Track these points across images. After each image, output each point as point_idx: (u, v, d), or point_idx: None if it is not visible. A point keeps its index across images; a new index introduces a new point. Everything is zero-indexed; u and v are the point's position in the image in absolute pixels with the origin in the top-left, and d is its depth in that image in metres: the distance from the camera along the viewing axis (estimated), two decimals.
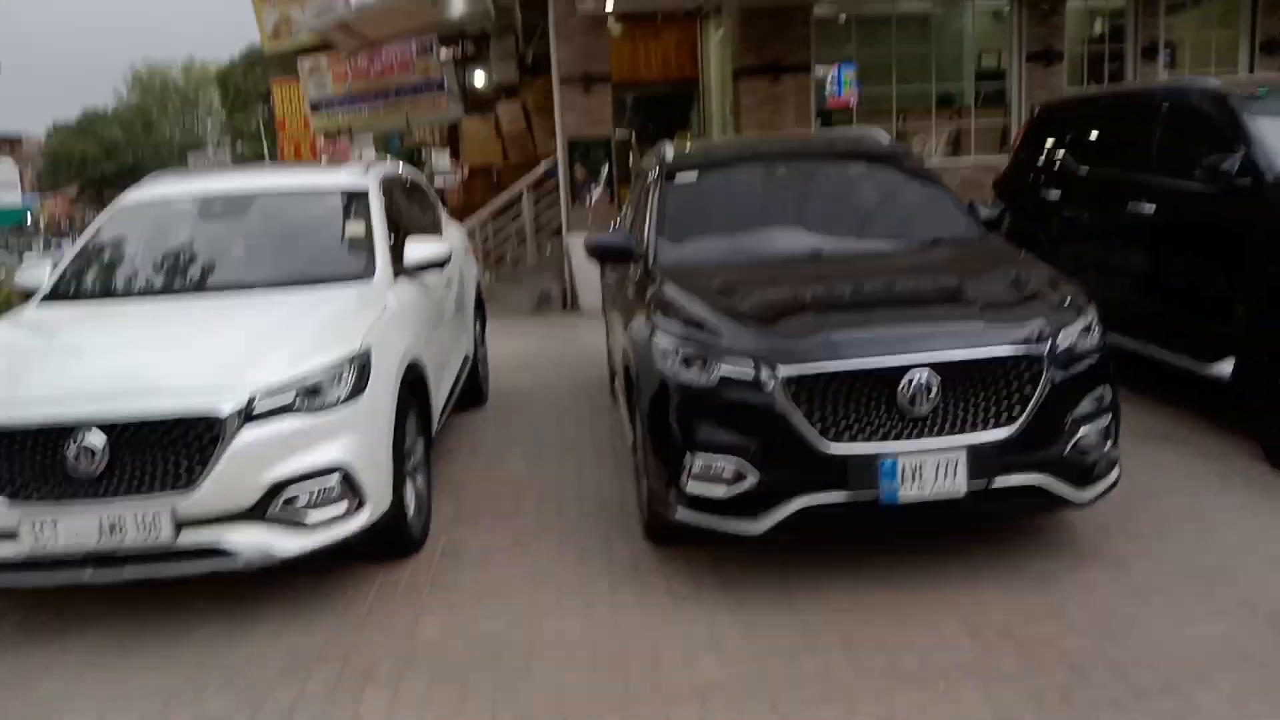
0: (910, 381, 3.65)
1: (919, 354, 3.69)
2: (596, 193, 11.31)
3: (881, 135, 6.05)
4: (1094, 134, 6.82)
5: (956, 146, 12.58)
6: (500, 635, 3.74)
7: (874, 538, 4.21)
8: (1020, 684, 3.22)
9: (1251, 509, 4.43)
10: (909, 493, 3.66)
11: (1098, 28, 13.11)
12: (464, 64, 17.46)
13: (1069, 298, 4.12)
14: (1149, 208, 5.80)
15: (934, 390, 3.66)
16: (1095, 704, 3.10)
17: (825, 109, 12.08)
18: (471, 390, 6.73)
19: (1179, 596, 3.73)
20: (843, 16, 12.27)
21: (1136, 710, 3.06)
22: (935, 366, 3.67)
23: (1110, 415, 3.96)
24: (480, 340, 7.11)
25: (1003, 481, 3.72)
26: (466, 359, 6.49)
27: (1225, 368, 5.11)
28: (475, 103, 17.38)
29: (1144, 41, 12.24)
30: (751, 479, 3.72)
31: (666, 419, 3.93)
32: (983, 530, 4.27)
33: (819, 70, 12.03)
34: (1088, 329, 3.96)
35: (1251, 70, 12.00)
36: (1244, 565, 3.92)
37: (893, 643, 3.50)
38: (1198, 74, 9.52)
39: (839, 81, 12.16)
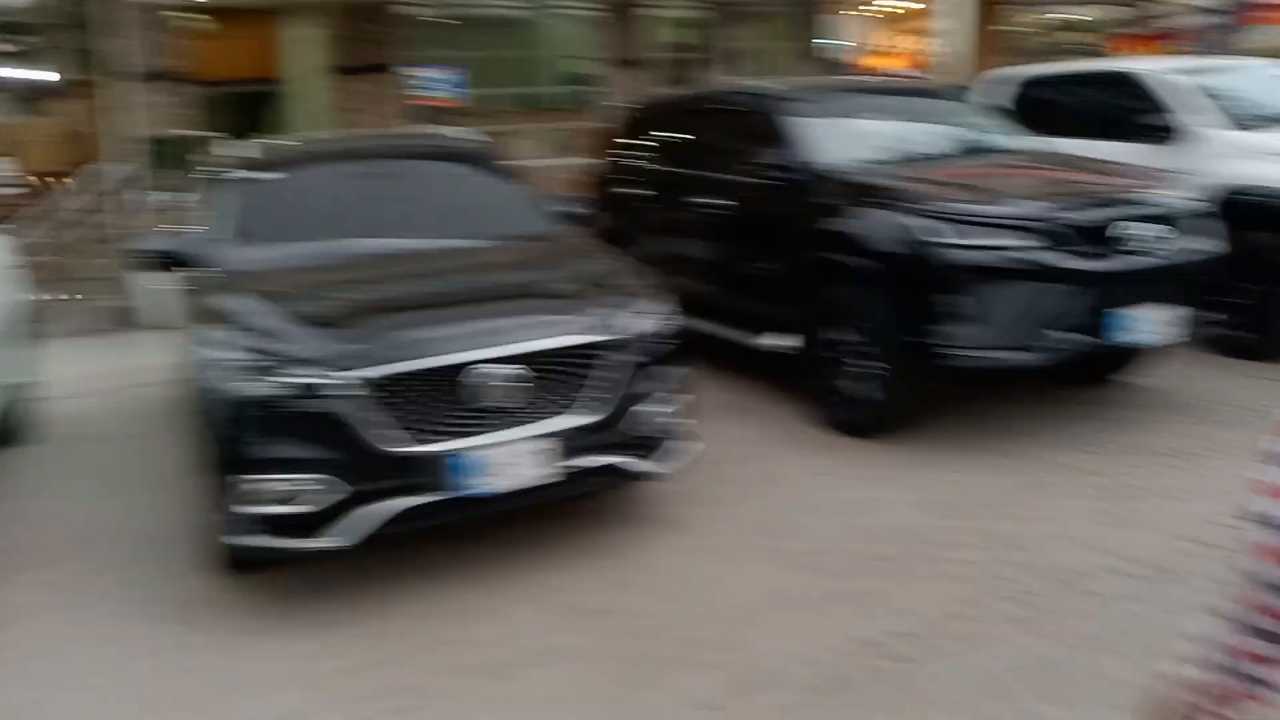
0: (487, 375, 3.64)
1: (495, 348, 3.71)
2: (168, 197, 10.39)
3: (467, 134, 6.03)
4: (672, 134, 7.23)
5: (554, 147, 12.96)
6: (34, 706, 3.24)
7: (453, 537, 4.14)
8: (601, 657, 3.33)
9: (811, 466, 4.89)
10: (494, 485, 3.66)
11: (681, 36, 14.08)
12: (19, 59, 15.37)
13: (643, 287, 4.31)
14: (720, 201, 6.23)
15: (512, 382, 3.68)
16: (668, 664, 3.26)
17: (426, 109, 11.95)
18: (20, 425, 5.87)
19: (745, 551, 4.04)
20: (444, 18, 12.22)
21: (703, 664, 3.25)
22: (512, 359, 3.70)
23: (686, 393, 4.21)
24: (32, 367, 6.23)
25: (585, 463, 3.83)
26: (11, 389, 5.65)
27: (783, 340, 5.60)
28: (36, 102, 15.35)
29: (721, 50, 13.30)
30: (328, 492, 3.53)
31: (232, 436, 3.63)
32: (564, 513, 4.36)
33: (419, 70, 11.87)
34: (661, 315, 4.18)
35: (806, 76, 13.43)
36: (802, 516, 4.33)
37: (476, 638, 3.48)
38: (764, 79, 10.50)
39: (439, 82, 12.09)
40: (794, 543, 4.09)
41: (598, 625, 3.53)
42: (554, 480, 3.76)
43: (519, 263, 4.63)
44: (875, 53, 16.86)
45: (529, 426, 3.72)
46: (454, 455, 3.58)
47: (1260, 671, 1.13)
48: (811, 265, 5.41)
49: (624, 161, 7.51)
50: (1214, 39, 13.74)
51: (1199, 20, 15.04)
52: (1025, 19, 15.96)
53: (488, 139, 5.83)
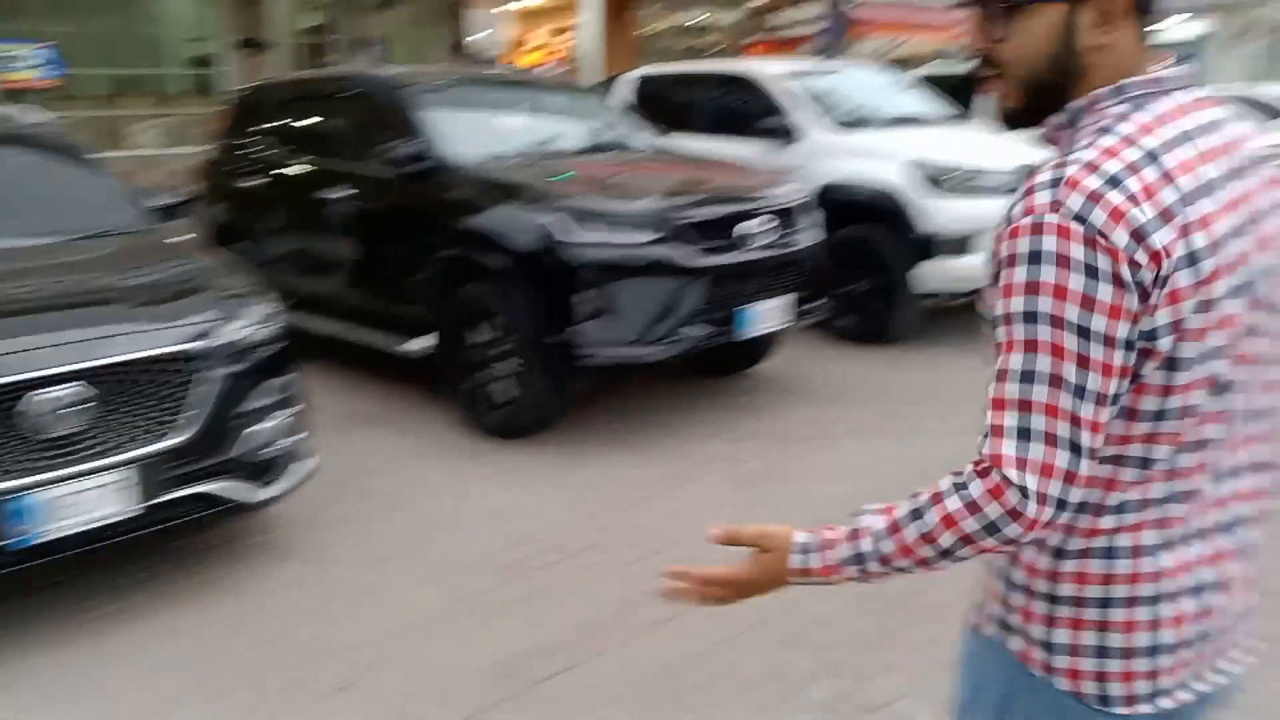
0: (46, 399, 3.05)
1: (58, 365, 3.12)
2: None
3: (32, 114, 5.17)
4: (294, 120, 6.67)
5: (173, 134, 11.77)
6: None
7: (46, 588, 3.50)
8: (211, 717, 2.88)
9: (452, 474, 4.64)
10: (62, 527, 3.08)
11: (311, 19, 13.26)
12: None
13: (241, 288, 3.84)
14: (345, 193, 5.80)
15: (74, 405, 3.11)
16: (287, 717, 2.88)
17: (6, 89, 10.38)
18: None
19: (379, 576, 3.71)
20: None
21: (328, 711, 2.92)
22: (80, 377, 3.14)
23: (296, 405, 3.79)
24: None
25: (178, 493, 3.34)
26: None
27: (425, 344, 5.30)
28: None
29: (355, 34, 12.66)
30: None
31: None
32: (168, 551, 3.82)
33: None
34: (263, 319, 3.73)
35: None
36: (443, 532, 4.06)
37: (62, 713, 2.90)
38: (399, 67, 10.07)
39: (24, 58, 10.56)
40: (433, 561, 3.82)
41: (210, 679, 3.06)
42: (137, 516, 3.23)
43: (93, 264, 3.93)
44: (520, 48, 16.90)
45: (101, 456, 3.17)
46: (8, 497, 2.96)
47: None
48: (446, 263, 5.15)
49: (242, 151, 6.85)
50: (827, 46, 15.00)
51: (815, 29, 16.41)
52: (659, 22, 16.64)
53: (57, 120, 5.02)
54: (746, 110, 7.37)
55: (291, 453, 3.75)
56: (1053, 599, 1.23)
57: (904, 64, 12.66)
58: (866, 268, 6.54)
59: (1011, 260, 1.11)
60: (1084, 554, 1.21)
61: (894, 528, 1.19)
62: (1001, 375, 1.13)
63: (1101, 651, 1.22)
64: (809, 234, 5.49)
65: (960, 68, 11.28)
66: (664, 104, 7.95)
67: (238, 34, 11.60)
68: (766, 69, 7.79)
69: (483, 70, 10.07)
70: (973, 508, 1.12)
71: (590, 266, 4.68)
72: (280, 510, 4.01)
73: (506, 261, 4.84)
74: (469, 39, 13.78)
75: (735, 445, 4.92)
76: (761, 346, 5.83)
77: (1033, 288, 1.09)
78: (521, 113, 6.27)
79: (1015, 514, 1.10)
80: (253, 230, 6.56)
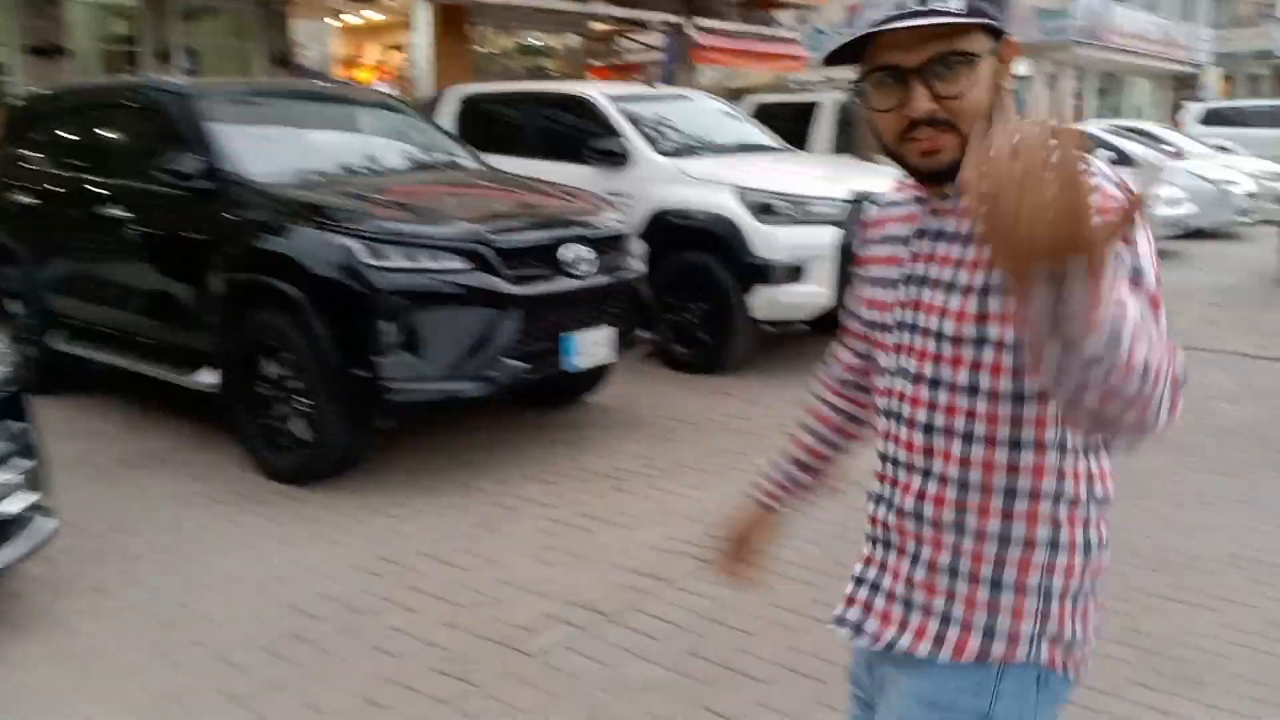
0: None
1: None
2: None
3: None
4: (71, 132, 6.03)
5: None
6: None
7: None
8: None
9: (234, 525, 4.16)
10: None
11: (115, 27, 12.33)
12: None
13: None
14: (121, 212, 5.23)
15: None
16: None
17: None
18: None
19: (131, 653, 3.19)
20: None
21: None
22: None
23: (29, 457, 3.26)
24: None
25: None
26: None
27: (210, 378, 4.79)
28: None
29: (160, 45, 11.83)
30: None
31: None
32: None
33: None
34: None
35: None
36: (211, 597, 3.56)
37: None
38: (214, 79, 9.40)
39: None
40: (196, 633, 3.32)
41: None
42: None
43: None
44: (347, 63, 16.26)
45: None
46: None
47: None
48: (235, 288, 4.66)
49: (13, 164, 6.14)
50: (665, 73, 14.98)
51: (656, 55, 16.41)
52: (498, 42, 16.31)
53: None
54: (577, 133, 7.11)
55: (29, 512, 3.21)
56: (1077, 596, 1.32)
57: (740, 93, 12.70)
58: (700, 295, 6.36)
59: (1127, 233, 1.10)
60: (1101, 545, 1.33)
61: (1142, 324, 1.02)
62: (1156, 306, 1.12)
63: (1084, 628, 1.33)
64: (634, 262, 5.24)
65: (795, 97, 11.38)
66: (488, 124, 7.62)
67: (31, 39, 10.63)
68: (600, 91, 7.55)
69: (283, 81, 9.54)
70: (1173, 353, 1.07)
71: (396, 293, 4.29)
72: (24, 576, 3.45)
73: (301, 287, 4.39)
74: (297, 52, 13.09)
75: (552, 487, 4.59)
76: (590, 376, 5.53)
77: (1147, 255, 1.15)
78: (333, 129, 5.86)
79: (1174, 405, 1.08)
80: (22, 252, 5.87)
